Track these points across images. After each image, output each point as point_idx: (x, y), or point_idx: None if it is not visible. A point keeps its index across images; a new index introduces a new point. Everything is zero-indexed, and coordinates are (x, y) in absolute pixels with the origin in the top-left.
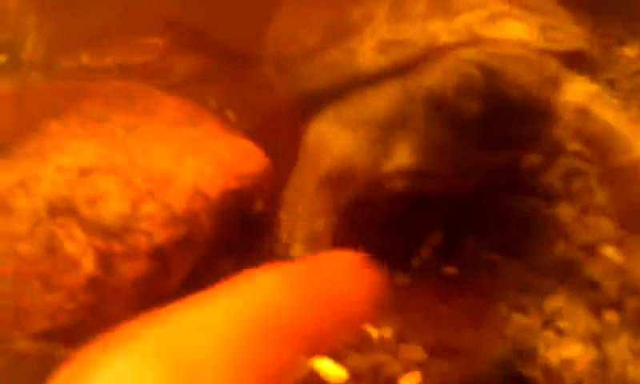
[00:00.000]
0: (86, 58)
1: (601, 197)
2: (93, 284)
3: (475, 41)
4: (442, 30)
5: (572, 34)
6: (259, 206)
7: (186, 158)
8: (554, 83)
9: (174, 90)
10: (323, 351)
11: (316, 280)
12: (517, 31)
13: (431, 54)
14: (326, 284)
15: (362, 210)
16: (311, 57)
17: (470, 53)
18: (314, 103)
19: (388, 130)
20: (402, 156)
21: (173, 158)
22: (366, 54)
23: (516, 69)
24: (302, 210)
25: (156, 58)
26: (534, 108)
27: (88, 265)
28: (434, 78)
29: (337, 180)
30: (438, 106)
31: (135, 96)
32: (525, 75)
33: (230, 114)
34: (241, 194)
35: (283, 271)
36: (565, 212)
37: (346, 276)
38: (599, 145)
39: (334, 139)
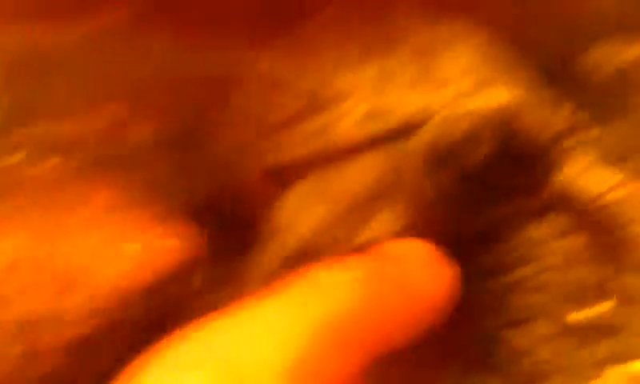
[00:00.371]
0: (40, 128)
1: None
2: (19, 375)
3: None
4: (430, 100)
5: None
6: (196, 283)
7: (113, 247)
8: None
9: (125, 159)
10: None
11: (390, 274)
12: (504, 97)
13: (419, 122)
14: (401, 279)
15: None
16: (292, 125)
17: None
18: (291, 175)
19: (369, 199)
20: (383, 224)
21: (99, 248)
22: (351, 123)
23: (525, 116)
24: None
25: (112, 126)
26: (540, 156)
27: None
28: (433, 132)
29: (302, 258)
30: (440, 160)
31: (67, 181)
32: (534, 122)
33: (177, 186)
34: (172, 272)
35: (354, 265)
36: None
37: (422, 270)
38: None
39: (305, 213)
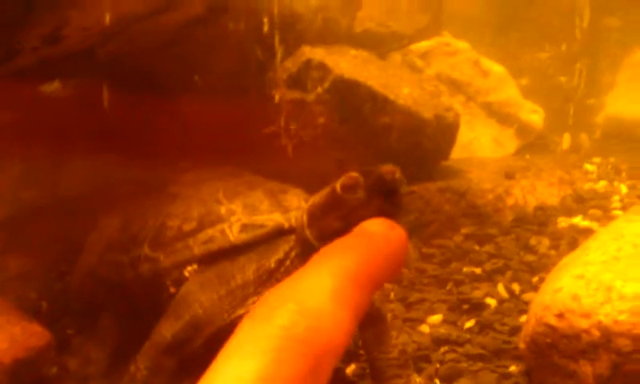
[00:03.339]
0: None
1: None
2: None
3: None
4: (281, 218)
5: None
6: (52, 370)
7: None
8: None
9: (1, 284)
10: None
11: (378, 241)
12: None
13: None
14: (383, 243)
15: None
16: (189, 236)
17: None
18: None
19: (249, 283)
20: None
21: None
22: (234, 233)
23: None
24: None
25: None
26: None
27: None
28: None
29: (190, 331)
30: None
31: None
32: None
33: (44, 303)
34: (28, 361)
35: (353, 239)
36: None
37: (390, 235)
38: None
39: (196, 295)
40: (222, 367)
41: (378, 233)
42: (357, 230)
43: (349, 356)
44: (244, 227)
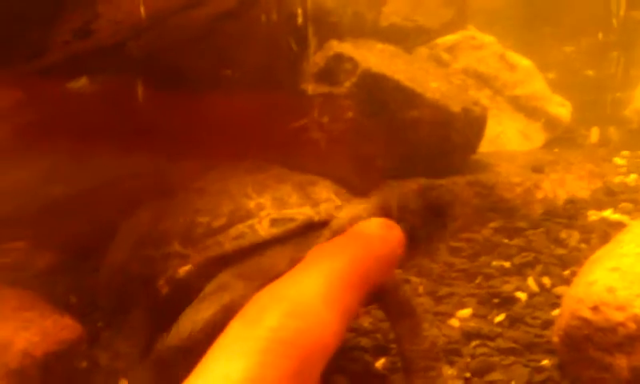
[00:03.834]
0: None
1: None
2: None
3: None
4: (310, 211)
5: None
6: (82, 363)
7: (21, 329)
8: None
9: (31, 280)
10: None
11: (372, 242)
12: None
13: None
14: (378, 244)
15: None
16: (219, 233)
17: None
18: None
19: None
20: None
21: (11, 330)
22: (264, 227)
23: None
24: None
25: (19, 258)
26: None
27: None
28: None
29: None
30: None
31: None
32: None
33: (73, 298)
34: (60, 354)
35: (348, 239)
36: None
37: (386, 236)
38: None
39: (231, 285)
40: (210, 366)
41: (374, 233)
42: (353, 229)
43: (379, 350)
44: (274, 222)
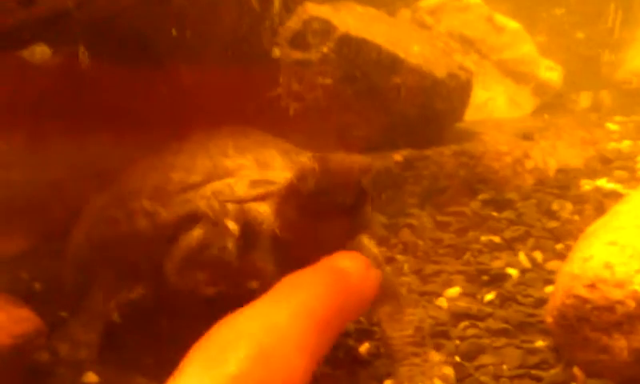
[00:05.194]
0: None
1: None
2: None
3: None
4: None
5: None
6: (43, 356)
7: None
8: None
9: None
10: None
11: (343, 277)
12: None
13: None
14: (349, 280)
15: None
16: (192, 189)
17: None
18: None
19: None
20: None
21: None
22: (243, 187)
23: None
24: None
25: None
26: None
27: None
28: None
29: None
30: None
31: None
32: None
33: (37, 284)
34: (16, 348)
35: (322, 273)
36: None
37: (360, 273)
38: None
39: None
40: None
41: (350, 271)
42: (329, 261)
43: (362, 334)
44: (253, 183)
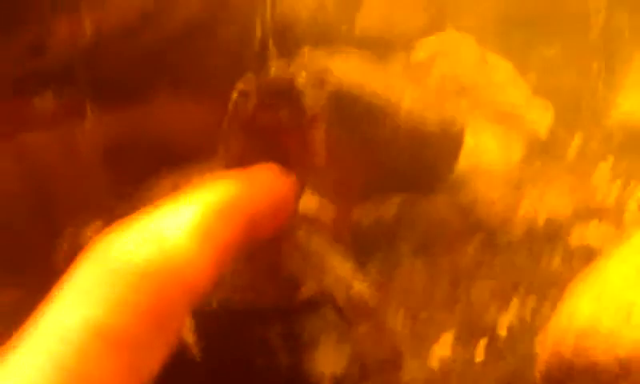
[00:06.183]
0: None
1: None
2: None
3: None
4: None
5: None
6: None
7: None
8: None
9: None
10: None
11: (261, 180)
12: None
13: None
14: (265, 182)
15: None
16: None
17: None
18: None
19: None
20: None
21: None
22: None
23: None
24: None
25: None
26: None
27: None
28: None
29: None
30: None
31: None
32: None
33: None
34: None
35: (234, 176)
36: None
37: (275, 179)
38: None
39: None
40: (54, 312)
41: (261, 175)
42: (240, 171)
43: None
44: None
